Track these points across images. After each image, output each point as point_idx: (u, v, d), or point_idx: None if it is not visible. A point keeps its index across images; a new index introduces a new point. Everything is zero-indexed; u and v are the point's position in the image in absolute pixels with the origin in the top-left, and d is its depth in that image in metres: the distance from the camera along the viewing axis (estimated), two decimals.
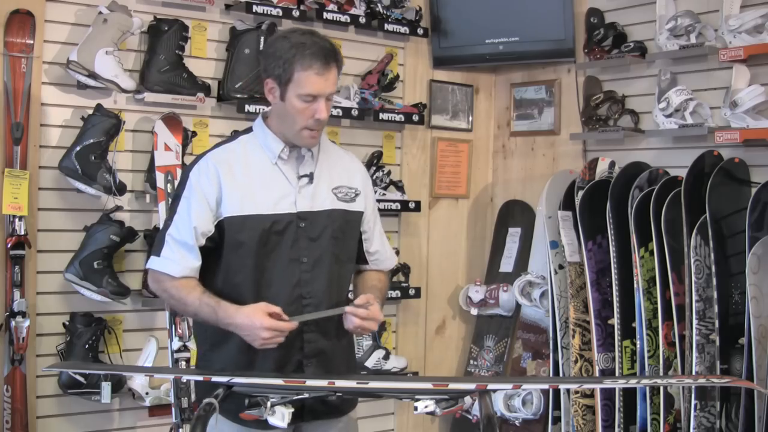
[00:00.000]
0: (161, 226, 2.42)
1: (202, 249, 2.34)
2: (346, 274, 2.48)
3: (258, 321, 2.20)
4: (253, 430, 2.29)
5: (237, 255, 2.34)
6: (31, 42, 3.29)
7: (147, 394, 3.43)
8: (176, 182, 3.42)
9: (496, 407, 3.96)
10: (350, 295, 2.56)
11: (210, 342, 2.41)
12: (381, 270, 2.61)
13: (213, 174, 2.32)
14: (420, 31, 4.29)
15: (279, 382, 2.21)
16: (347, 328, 2.34)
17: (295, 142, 2.36)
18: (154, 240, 3.46)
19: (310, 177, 2.38)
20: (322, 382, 2.25)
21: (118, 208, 3.44)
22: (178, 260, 2.31)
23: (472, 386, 2.29)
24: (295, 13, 3.85)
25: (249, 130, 2.45)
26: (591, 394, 3.67)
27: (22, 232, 3.27)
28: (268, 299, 2.30)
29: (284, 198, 2.35)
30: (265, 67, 2.33)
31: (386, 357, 3.89)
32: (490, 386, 2.24)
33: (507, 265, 4.46)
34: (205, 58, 3.77)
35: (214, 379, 2.19)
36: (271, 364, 2.33)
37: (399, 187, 4.19)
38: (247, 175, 2.35)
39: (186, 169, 2.41)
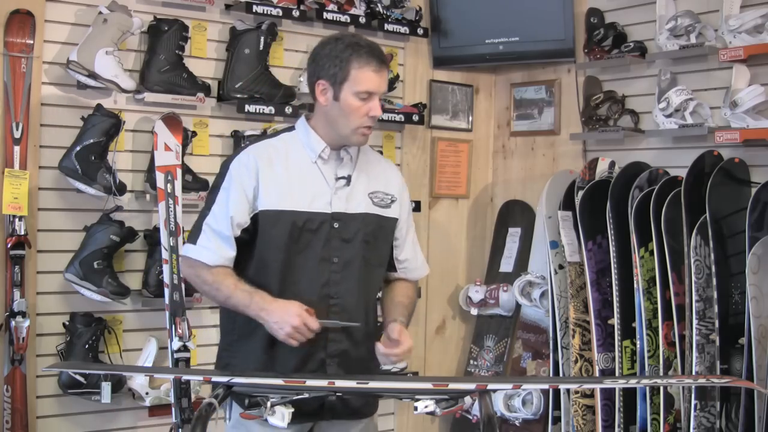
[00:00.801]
0: (198, 215, 2.45)
1: (238, 241, 2.38)
2: (375, 278, 2.50)
3: (293, 309, 2.25)
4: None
5: (269, 249, 2.38)
6: (31, 42, 3.29)
7: (147, 394, 3.44)
8: (176, 181, 3.45)
9: (496, 407, 3.96)
10: (378, 306, 2.57)
11: (238, 333, 2.44)
12: (409, 280, 2.62)
13: (252, 166, 2.37)
14: (420, 31, 4.29)
15: (279, 382, 2.21)
16: (381, 362, 2.39)
17: (346, 142, 2.40)
18: (152, 239, 3.51)
19: (348, 179, 2.42)
20: (322, 382, 2.25)
21: (118, 208, 3.44)
22: (214, 249, 2.36)
23: (472, 386, 2.29)
24: (295, 13, 3.85)
25: (291, 128, 2.49)
26: (591, 394, 3.67)
27: (22, 232, 3.27)
28: (296, 296, 2.34)
29: (320, 197, 2.38)
30: (317, 68, 2.38)
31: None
32: (490, 386, 2.24)
33: (507, 265, 4.46)
34: (205, 58, 3.77)
35: (214, 379, 2.19)
36: (295, 361, 2.36)
37: None
38: (285, 171, 2.39)
39: (226, 161, 2.47)
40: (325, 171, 2.41)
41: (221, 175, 2.42)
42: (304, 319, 2.24)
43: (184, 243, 2.47)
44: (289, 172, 2.39)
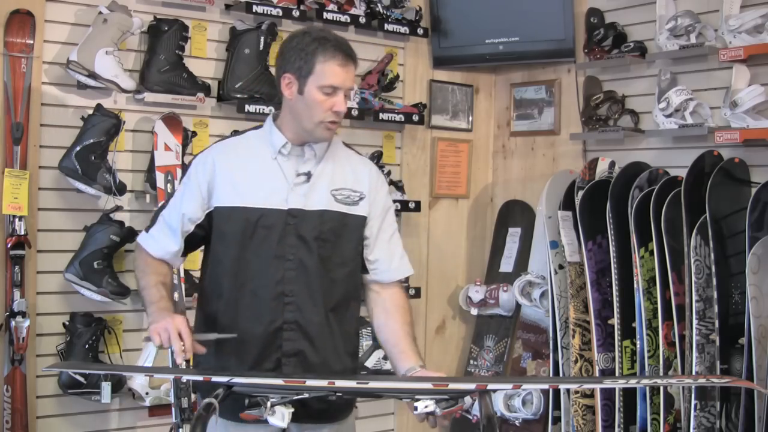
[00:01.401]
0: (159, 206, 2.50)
1: (194, 237, 2.39)
2: (340, 277, 2.41)
3: (179, 318, 2.19)
4: (243, 424, 2.29)
5: (222, 245, 2.37)
6: (31, 42, 3.29)
7: (147, 394, 3.44)
8: (176, 181, 3.47)
9: (496, 407, 3.96)
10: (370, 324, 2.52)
11: (194, 331, 2.40)
12: (391, 287, 2.49)
13: (210, 165, 2.38)
14: (420, 31, 4.29)
15: (279, 382, 2.21)
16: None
17: (311, 137, 2.36)
18: None
19: (308, 176, 2.37)
20: (322, 382, 2.24)
21: (118, 208, 3.44)
22: (159, 240, 2.39)
23: (472, 386, 2.29)
24: (295, 13, 3.85)
25: (259, 126, 2.48)
26: (591, 394, 3.67)
27: (22, 232, 3.27)
28: (250, 292, 2.33)
29: (276, 193, 2.35)
30: (283, 62, 2.35)
31: (386, 357, 3.89)
32: (490, 386, 2.24)
33: (507, 265, 4.46)
34: (205, 58, 3.77)
35: (214, 379, 2.19)
36: (250, 359, 2.34)
37: (399, 187, 4.19)
38: (243, 168, 2.37)
39: (192, 158, 2.49)
40: (285, 167, 2.37)
41: (185, 171, 2.46)
42: (178, 326, 2.17)
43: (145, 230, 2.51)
44: (247, 169, 2.37)
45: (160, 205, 2.49)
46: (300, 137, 2.37)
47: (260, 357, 2.35)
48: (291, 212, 2.34)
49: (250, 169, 2.37)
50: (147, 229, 2.44)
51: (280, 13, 3.81)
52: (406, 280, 4.14)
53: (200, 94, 3.63)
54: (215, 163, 2.37)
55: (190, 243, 2.43)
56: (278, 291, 2.34)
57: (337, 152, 2.46)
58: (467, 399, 4.17)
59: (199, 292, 2.53)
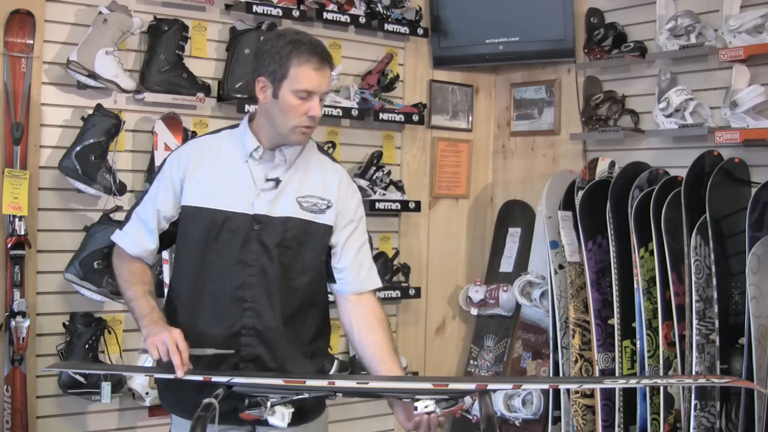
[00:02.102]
0: (133, 204, 2.48)
1: (168, 234, 2.39)
2: (301, 286, 2.38)
3: (175, 331, 2.18)
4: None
5: (185, 245, 2.37)
6: (31, 42, 3.29)
7: (147, 394, 3.43)
8: None
9: (496, 407, 3.96)
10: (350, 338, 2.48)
11: None
12: (372, 303, 2.44)
13: (183, 161, 2.37)
14: (420, 31, 4.29)
15: (279, 382, 2.21)
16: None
17: (285, 141, 2.33)
18: None
19: (276, 182, 2.34)
20: (322, 382, 2.24)
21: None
22: (135, 238, 2.38)
23: (472, 386, 2.28)
24: (295, 13, 3.85)
25: (235, 126, 2.45)
26: (591, 394, 3.67)
27: (22, 232, 3.27)
28: (210, 295, 2.32)
29: (243, 198, 2.33)
30: (259, 64, 2.31)
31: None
32: (490, 386, 2.23)
33: (507, 265, 4.46)
34: (205, 58, 3.77)
35: (214, 379, 2.19)
36: (208, 361, 2.30)
37: (399, 187, 4.19)
38: (213, 169, 2.35)
39: (168, 154, 2.48)
40: (255, 171, 2.35)
41: (159, 168, 2.44)
42: (175, 339, 2.16)
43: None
44: (217, 170, 2.35)
45: (134, 203, 2.46)
46: (273, 141, 2.35)
47: (219, 360, 2.32)
48: (256, 218, 2.32)
49: (220, 170, 2.35)
50: (121, 227, 2.42)
51: (280, 13, 3.81)
52: (406, 279, 4.19)
53: (200, 94, 3.63)
54: (188, 161, 2.36)
55: (164, 241, 2.41)
56: (238, 296, 2.32)
57: (309, 158, 2.42)
58: (467, 399, 4.17)
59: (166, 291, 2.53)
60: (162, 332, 2.17)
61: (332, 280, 2.45)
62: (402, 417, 2.26)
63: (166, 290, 3.32)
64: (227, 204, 2.32)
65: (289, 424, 2.24)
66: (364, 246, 2.47)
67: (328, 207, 2.39)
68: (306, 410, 2.38)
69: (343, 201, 2.42)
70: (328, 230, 2.39)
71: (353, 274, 2.43)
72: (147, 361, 3.38)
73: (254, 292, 2.33)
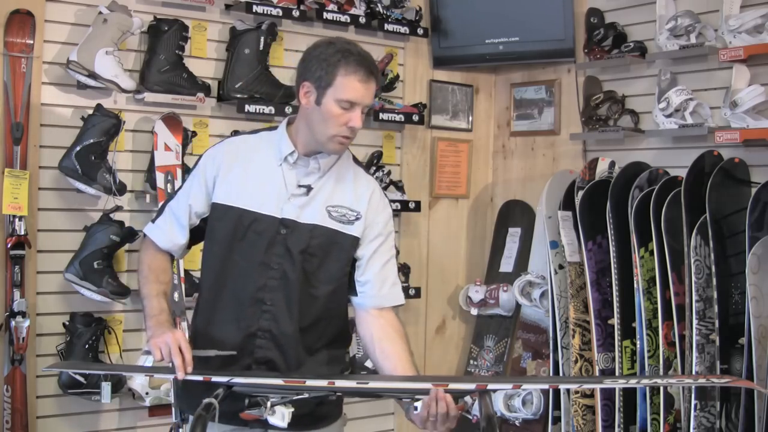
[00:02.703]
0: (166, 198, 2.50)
1: (198, 231, 2.40)
2: (322, 295, 2.36)
3: (178, 333, 2.18)
4: (218, 424, 2.27)
5: (211, 241, 2.37)
6: (31, 42, 3.29)
7: (147, 394, 3.43)
8: (176, 181, 3.47)
9: (496, 407, 3.96)
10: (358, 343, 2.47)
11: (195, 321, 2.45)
12: (391, 316, 2.41)
13: (219, 160, 2.38)
14: (420, 31, 4.29)
15: (279, 382, 2.21)
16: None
17: (322, 149, 2.32)
18: None
19: (308, 189, 2.34)
20: (322, 382, 2.24)
21: (118, 208, 3.44)
22: (166, 231, 2.39)
23: (472, 386, 2.28)
24: (295, 13, 3.85)
25: (273, 128, 2.45)
26: (591, 394, 3.67)
27: (22, 232, 3.27)
28: (230, 293, 2.33)
29: (273, 201, 2.33)
30: (305, 69, 2.30)
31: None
32: (490, 386, 2.23)
33: (507, 265, 4.46)
34: (205, 58, 3.77)
35: (214, 379, 2.19)
36: (220, 363, 2.30)
37: (399, 187, 4.19)
38: (246, 169, 2.36)
39: (206, 150, 2.48)
40: (288, 176, 2.34)
41: (195, 163, 2.45)
42: (178, 340, 2.15)
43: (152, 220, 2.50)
44: (250, 171, 2.35)
45: (167, 197, 2.50)
46: (310, 147, 2.34)
47: (233, 361, 2.32)
48: (283, 222, 2.32)
49: (253, 171, 2.35)
50: (153, 220, 2.44)
51: (280, 13, 3.81)
52: (406, 279, 4.18)
53: (200, 94, 3.63)
54: (222, 160, 2.37)
55: (194, 237, 2.42)
56: (257, 297, 2.32)
57: (343, 168, 2.41)
58: (467, 399, 4.17)
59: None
60: (165, 334, 2.17)
61: (354, 293, 2.42)
62: (412, 415, 2.23)
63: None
64: (256, 205, 2.32)
65: (305, 429, 2.29)
66: (390, 262, 2.44)
67: (357, 218, 2.37)
68: (321, 415, 2.38)
69: (373, 214, 2.40)
70: (354, 242, 2.37)
71: (375, 288, 2.40)
72: (148, 361, 3.38)
73: (273, 296, 2.32)
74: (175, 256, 2.45)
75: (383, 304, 2.41)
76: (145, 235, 2.46)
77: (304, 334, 2.35)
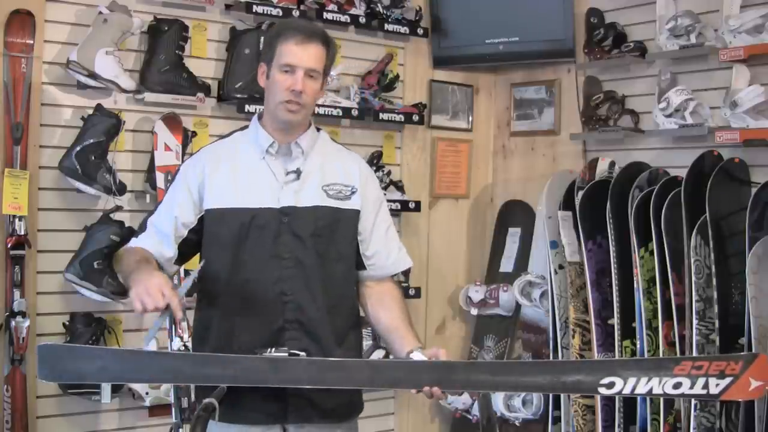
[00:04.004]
0: (146, 214, 2.46)
1: (188, 243, 2.37)
2: (338, 273, 2.39)
3: (159, 279, 2.10)
4: (241, 425, 2.30)
5: (215, 248, 2.35)
6: (31, 42, 3.29)
7: (147, 394, 3.44)
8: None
9: (496, 407, 3.96)
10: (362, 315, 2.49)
11: (198, 331, 2.43)
12: (384, 282, 2.48)
13: (200, 168, 2.38)
14: (420, 31, 4.29)
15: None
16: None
17: (276, 120, 2.36)
18: None
19: (297, 173, 2.36)
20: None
21: (118, 208, 3.44)
22: (153, 245, 2.34)
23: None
24: (295, 13, 3.85)
25: (245, 127, 2.48)
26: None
27: (22, 232, 3.27)
28: (248, 294, 2.31)
29: (268, 193, 2.34)
30: (261, 55, 2.41)
31: (386, 357, 3.89)
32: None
33: (507, 265, 4.46)
34: (205, 58, 3.77)
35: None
36: (255, 327, 2.30)
37: (399, 187, 4.19)
38: (233, 170, 2.36)
39: (180, 164, 2.51)
40: (274, 166, 2.36)
41: (173, 176, 2.45)
42: (161, 287, 2.06)
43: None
44: (236, 171, 2.36)
45: (148, 213, 2.45)
46: (277, 127, 2.37)
47: (265, 322, 2.32)
48: (283, 210, 2.33)
49: (240, 170, 2.36)
50: (136, 236, 2.40)
51: (280, 13, 3.81)
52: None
53: (200, 94, 3.63)
54: (205, 167, 2.37)
55: (185, 250, 2.39)
56: (276, 290, 2.32)
57: (325, 148, 2.45)
58: (467, 399, 4.18)
59: (197, 298, 2.49)
60: (143, 282, 2.09)
61: (362, 267, 2.46)
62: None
63: None
64: (253, 201, 2.33)
65: (333, 422, 2.34)
66: (390, 228, 2.51)
67: (353, 192, 2.41)
68: (347, 409, 2.41)
69: (365, 185, 2.45)
70: (356, 215, 2.42)
71: (383, 258, 2.47)
72: (151, 345, 3.38)
73: (293, 284, 2.33)
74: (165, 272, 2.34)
75: (393, 271, 2.51)
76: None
77: (332, 316, 2.35)
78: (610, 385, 2.12)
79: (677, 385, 2.10)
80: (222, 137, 2.53)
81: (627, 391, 2.11)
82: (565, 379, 2.16)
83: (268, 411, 2.30)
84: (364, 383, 2.20)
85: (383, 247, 2.47)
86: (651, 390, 2.11)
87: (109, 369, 2.12)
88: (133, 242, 2.39)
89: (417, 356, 2.26)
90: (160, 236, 2.35)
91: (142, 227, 2.40)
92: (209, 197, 2.35)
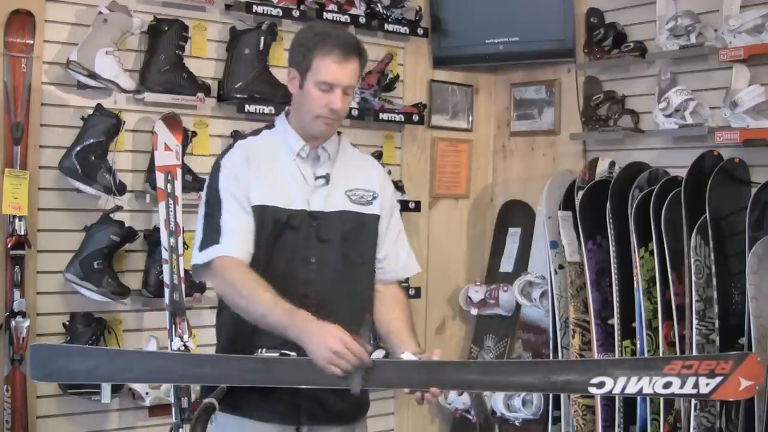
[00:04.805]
0: (205, 218, 2.33)
1: None
2: (361, 277, 2.41)
3: (334, 332, 2.10)
4: (254, 421, 2.29)
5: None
6: (31, 42, 3.29)
7: (147, 394, 3.43)
8: (175, 181, 3.44)
9: (496, 407, 3.96)
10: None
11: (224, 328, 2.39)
12: (391, 284, 2.48)
13: (245, 162, 2.33)
14: (420, 31, 4.29)
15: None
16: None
17: (310, 131, 2.34)
18: (152, 239, 3.50)
19: (326, 178, 2.36)
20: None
21: (118, 208, 3.44)
22: (239, 245, 2.26)
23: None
24: (295, 13, 3.85)
25: (271, 126, 2.45)
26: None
27: (22, 232, 3.27)
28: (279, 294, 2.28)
29: (300, 195, 2.34)
30: (290, 56, 2.36)
31: (386, 357, 3.88)
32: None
33: (507, 265, 4.46)
34: (205, 58, 3.77)
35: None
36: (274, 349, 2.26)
37: (399, 187, 4.19)
38: (269, 169, 2.34)
39: (218, 160, 2.39)
40: (304, 169, 2.36)
41: (215, 176, 2.35)
42: (346, 343, 2.08)
43: (201, 249, 2.29)
44: (272, 170, 2.35)
45: (208, 217, 2.31)
46: (306, 133, 2.36)
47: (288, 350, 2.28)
48: (312, 214, 2.33)
49: (273, 170, 2.35)
50: (217, 241, 2.25)
51: (280, 13, 3.81)
52: (406, 279, 4.17)
53: (200, 94, 3.63)
54: (249, 161, 2.33)
55: None
56: (301, 292, 2.29)
57: (347, 153, 2.45)
58: (467, 399, 4.17)
59: (219, 301, 2.42)
60: (324, 344, 2.08)
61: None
62: None
63: (167, 291, 3.37)
64: (287, 202, 2.32)
65: (332, 425, 2.34)
66: (401, 233, 2.52)
67: (374, 198, 2.43)
68: (355, 409, 2.40)
69: (384, 192, 2.47)
70: (377, 220, 2.43)
71: (393, 262, 2.48)
72: (151, 345, 3.38)
73: (317, 288, 2.32)
74: None
75: (401, 276, 2.53)
76: (212, 265, 2.27)
77: (352, 319, 2.31)
78: (600, 385, 2.13)
79: (667, 385, 2.11)
80: (250, 134, 2.47)
81: (617, 390, 2.12)
82: (555, 379, 2.17)
83: (282, 410, 2.30)
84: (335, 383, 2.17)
85: (393, 251, 2.48)
86: (641, 389, 2.12)
87: (100, 369, 2.13)
88: (219, 250, 2.26)
89: (407, 357, 2.28)
90: (243, 234, 2.27)
91: (216, 231, 2.27)
92: (253, 193, 2.31)
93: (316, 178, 2.36)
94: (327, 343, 2.08)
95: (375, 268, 2.46)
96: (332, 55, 2.26)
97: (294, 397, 2.28)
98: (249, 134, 2.50)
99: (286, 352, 2.21)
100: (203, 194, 2.39)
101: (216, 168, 2.37)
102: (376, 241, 2.44)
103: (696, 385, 2.10)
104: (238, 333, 2.31)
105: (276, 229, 2.31)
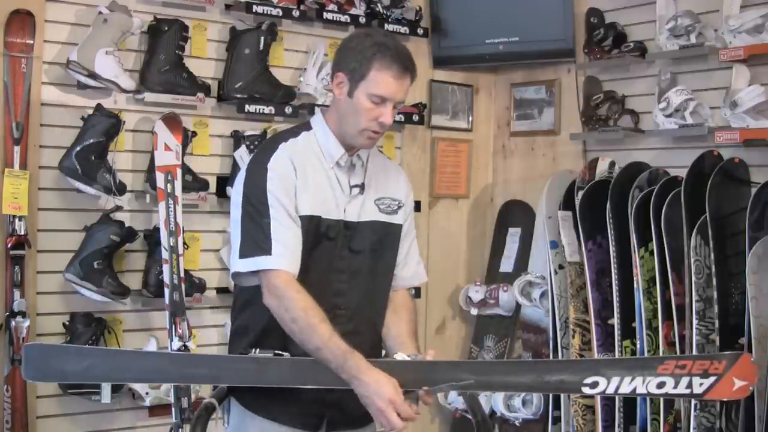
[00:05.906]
0: (248, 220, 2.22)
1: None
2: (382, 287, 2.39)
3: (386, 390, 2.10)
4: (278, 424, 2.29)
5: None
6: (31, 42, 3.29)
7: (147, 394, 3.44)
8: (176, 181, 3.43)
9: (496, 407, 3.96)
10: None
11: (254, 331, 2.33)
12: (404, 295, 2.46)
13: (291, 168, 2.24)
14: (420, 31, 4.29)
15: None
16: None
17: (351, 142, 2.29)
18: (152, 239, 3.50)
19: (361, 187, 2.32)
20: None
21: (118, 208, 3.44)
22: (290, 256, 2.19)
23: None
24: (295, 13, 3.85)
25: (308, 126, 2.36)
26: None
27: (22, 232, 3.27)
28: None
29: (337, 205, 2.29)
30: (340, 60, 2.27)
31: (386, 357, 3.89)
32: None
33: (507, 265, 4.46)
34: (205, 58, 3.77)
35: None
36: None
37: None
38: (311, 176, 2.27)
39: (260, 160, 2.28)
40: (341, 178, 2.31)
41: (261, 177, 2.23)
42: (396, 407, 2.09)
43: (244, 256, 2.20)
44: (314, 178, 2.27)
45: (253, 222, 2.21)
46: (344, 140, 2.30)
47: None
48: (347, 224, 2.29)
49: (312, 177, 2.27)
50: (267, 252, 2.17)
51: (280, 13, 3.81)
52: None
53: (200, 94, 3.63)
54: (294, 166, 2.25)
55: None
56: (332, 303, 2.26)
57: (376, 160, 2.41)
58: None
59: (242, 298, 2.37)
60: (373, 400, 2.10)
61: None
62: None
63: (167, 291, 3.37)
64: (325, 211, 2.27)
65: (354, 428, 2.34)
66: (414, 241, 2.50)
67: (400, 207, 2.40)
68: (366, 415, 2.34)
69: (407, 200, 2.45)
70: (400, 229, 2.41)
71: (403, 269, 2.45)
72: (151, 345, 3.38)
73: (346, 298, 2.30)
74: None
75: (409, 284, 2.49)
76: (263, 277, 2.19)
77: (374, 328, 2.34)
78: (594, 385, 2.13)
79: (661, 385, 2.11)
80: (291, 134, 2.34)
81: (611, 390, 2.12)
82: (549, 379, 2.17)
83: (306, 419, 2.29)
84: (346, 383, 2.16)
85: (405, 259, 2.46)
86: (635, 389, 2.12)
87: (94, 368, 2.13)
88: (273, 263, 2.17)
89: (401, 358, 2.28)
90: (294, 241, 2.20)
91: (266, 238, 2.18)
92: (300, 202, 2.24)
93: (352, 187, 2.31)
94: (375, 401, 2.11)
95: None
96: (391, 69, 2.20)
97: (320, 406, 2.28)
98: (288, 135, 2.35)
99: (279, 352, 2.20)
100: (240, 193, 2.25)
101: (261, 168, 2.24)
102: (398, 251, 2.42)
103: (690, 385, 2.11)
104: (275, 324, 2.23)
105: (315, 238, 2.25)
